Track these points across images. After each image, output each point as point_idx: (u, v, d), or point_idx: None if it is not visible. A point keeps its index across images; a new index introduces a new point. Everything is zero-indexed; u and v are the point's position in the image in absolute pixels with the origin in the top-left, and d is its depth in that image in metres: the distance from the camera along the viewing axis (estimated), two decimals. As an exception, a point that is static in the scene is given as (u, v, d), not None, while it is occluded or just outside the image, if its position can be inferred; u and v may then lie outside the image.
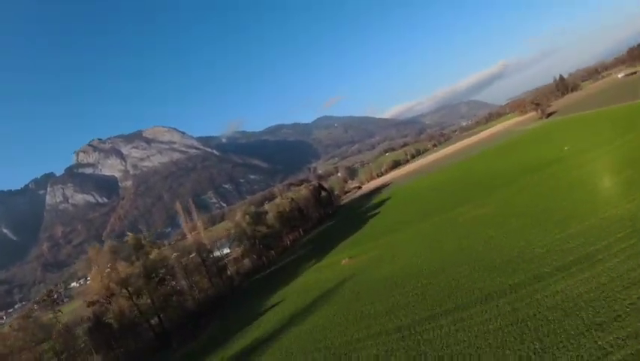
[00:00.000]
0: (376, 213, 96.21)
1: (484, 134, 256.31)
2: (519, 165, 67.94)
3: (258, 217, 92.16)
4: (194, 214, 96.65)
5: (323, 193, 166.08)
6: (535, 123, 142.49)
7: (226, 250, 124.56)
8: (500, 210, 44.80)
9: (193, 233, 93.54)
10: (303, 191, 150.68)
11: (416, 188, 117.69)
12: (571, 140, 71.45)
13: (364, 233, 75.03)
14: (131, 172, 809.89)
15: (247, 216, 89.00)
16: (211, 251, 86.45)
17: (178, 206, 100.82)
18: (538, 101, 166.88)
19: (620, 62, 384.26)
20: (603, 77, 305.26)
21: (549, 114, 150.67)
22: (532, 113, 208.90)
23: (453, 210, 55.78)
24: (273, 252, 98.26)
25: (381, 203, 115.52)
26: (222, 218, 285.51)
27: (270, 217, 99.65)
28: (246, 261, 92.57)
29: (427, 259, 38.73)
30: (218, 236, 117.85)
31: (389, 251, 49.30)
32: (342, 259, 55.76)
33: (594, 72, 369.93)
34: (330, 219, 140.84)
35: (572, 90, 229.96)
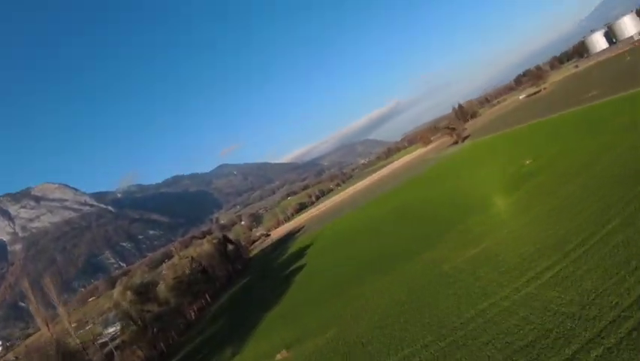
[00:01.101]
0: (302, 266, 78.71)
1: (396, 165, 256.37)
2: (493, 185, 55.94)
3: (145, 292, 68.53)
4: (54, 296, 70.32)
5: (230, 246, 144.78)
6: (457, 146, 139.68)
7: (113, 329, 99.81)
8: (497, 247, 31.07)
9: (53, 323, 67.68)
10: (206, 246, 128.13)
11: (340, 230, 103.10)
12: (526, 153, 62.79)
13: (295, 297, 56.80)
14: (20, 234, 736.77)
15: (129, 293, 65.37)
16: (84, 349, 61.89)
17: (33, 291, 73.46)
18: (453, 125, 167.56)
19: (508, 88, 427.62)
20: (499, 101, 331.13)
21: (465, 137, 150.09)
22: (439, 142, 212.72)
23: (418, 256, 40.93)
24: (173, 332, 75.51)
25: (303, 251, 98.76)
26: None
27: (163, 289, 76.35)
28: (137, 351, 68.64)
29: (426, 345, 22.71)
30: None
31: (348, 330, 32.19)
32: (274, 352, 36.94)
33: (485, 101, 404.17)
34: (242, 275, 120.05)
35: (472, 117, 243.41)
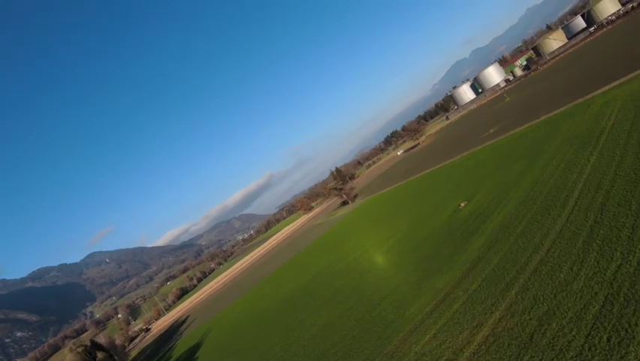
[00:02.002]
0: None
1: (280, 236, 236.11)
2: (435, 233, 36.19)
3: None
4: None
5: (100, 355, 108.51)
6: (350, 206, 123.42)
7: None
8: None
9: None
10: (68, 358, 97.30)
11: (235, 321, 75.48)
12: (451, 196, 45.70)
13: None
14: None
15: None
16: None
17: None
18: (340, 185, 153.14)
19: (379, 150, 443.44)
20: (375, 161, 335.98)
21: (354, 196, 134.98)
22: (325, 205, 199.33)
23: None
24: None
25: (194, 351, 71.32)
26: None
27: None
28: None
29: None
30: None
31: None
32: None
33: (358, 163, 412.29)
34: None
35: (351, 178, 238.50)
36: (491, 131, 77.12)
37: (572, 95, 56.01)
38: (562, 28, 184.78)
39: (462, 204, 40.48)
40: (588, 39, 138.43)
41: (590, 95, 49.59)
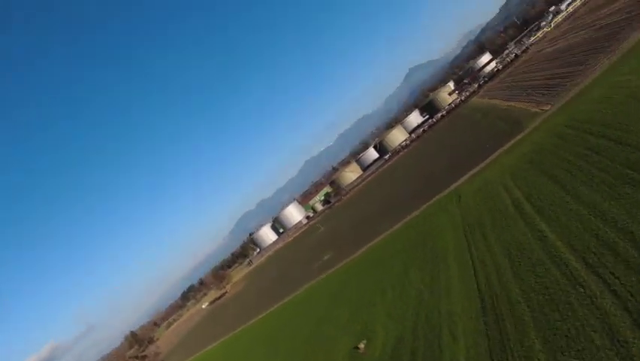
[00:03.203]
0: None
1: None
2: None
3: None
4: None
5: None
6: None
7: None
8: None
9: None
10: None
11: None
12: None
13: None
14: None
15: None
16: None
17: None
18: (141, 353, 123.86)
19: (177, 307, 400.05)
20: (175, 319, 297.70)
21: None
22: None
23: None
24: None
25: None
26: None
27: None
28: None
29: None
30: None
31: None
32: None
33: (155, 325, 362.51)
34: None
35: (150, 342, 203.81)
36: (326, 258, 72.16)
37: (389, 217, 58.31)
38: (356, 161, 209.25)
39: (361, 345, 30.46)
40: (384, 166, 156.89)
41: (407, 217, 51.03)
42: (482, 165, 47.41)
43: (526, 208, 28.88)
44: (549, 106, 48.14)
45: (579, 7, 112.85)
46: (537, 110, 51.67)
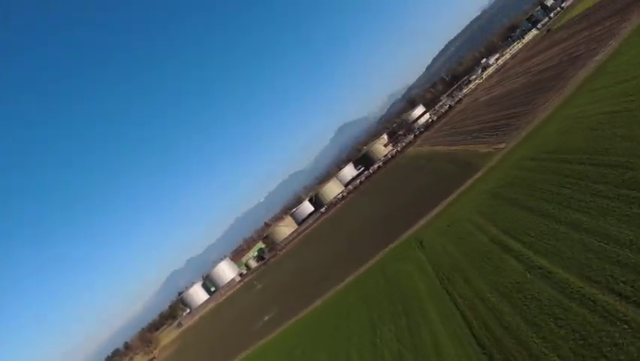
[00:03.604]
0: None
1: None
2: None
3: None
4: None
5: None
6: None
7: None
8: None
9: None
10: None
11: None
12: None
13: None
14: None
15: None
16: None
17: None
18: None
19: None
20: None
21: None
22: None
23: None
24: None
25: None
26: None
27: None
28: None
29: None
30: None
31: None
32: None
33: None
34: None
35: None
36: (267, 318, 65.03)
37: (337, 270, 54.19)
38: (290, 215, 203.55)
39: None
40: (321, 218, 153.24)
41: (361, 268, 46.63)
42: (439, 207, 44.40)
43: (512, 245, 25.21)
44: (504, 144, 46.87)
45: (508, 60, 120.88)
46: (489, 150, 50.50)
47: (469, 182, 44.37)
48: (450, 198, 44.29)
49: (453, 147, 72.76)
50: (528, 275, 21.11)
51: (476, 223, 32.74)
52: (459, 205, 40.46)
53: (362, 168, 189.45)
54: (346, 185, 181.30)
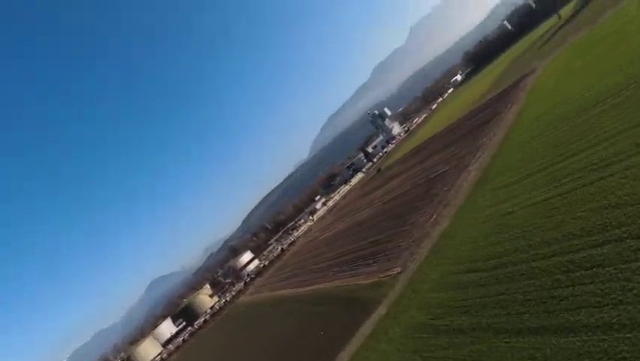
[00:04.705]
0: None
1: None
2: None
3: None
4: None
5: None
6: None
7: None
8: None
9: None
10: None
11: None
12: None
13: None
14: None
15: None
16: None
17: None
18: None
19: None
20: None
21: None
22: None
23: None
24: None
25: None
26: None
27: None
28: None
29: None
30: None
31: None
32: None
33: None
34: None
35: None
36: None
37: None
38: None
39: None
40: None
41: None
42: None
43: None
44: (398, 268, 37.24)
45: (339, 201, 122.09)
46: (374, 280, 40.30)
47: (377, 318, 32.12)
48: (340, 346, 30.94)
49: (309, 287, 61.25)
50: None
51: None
52: (371, 353, 27.23)
53: (183, 324, 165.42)
54: (164, 344, 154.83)
